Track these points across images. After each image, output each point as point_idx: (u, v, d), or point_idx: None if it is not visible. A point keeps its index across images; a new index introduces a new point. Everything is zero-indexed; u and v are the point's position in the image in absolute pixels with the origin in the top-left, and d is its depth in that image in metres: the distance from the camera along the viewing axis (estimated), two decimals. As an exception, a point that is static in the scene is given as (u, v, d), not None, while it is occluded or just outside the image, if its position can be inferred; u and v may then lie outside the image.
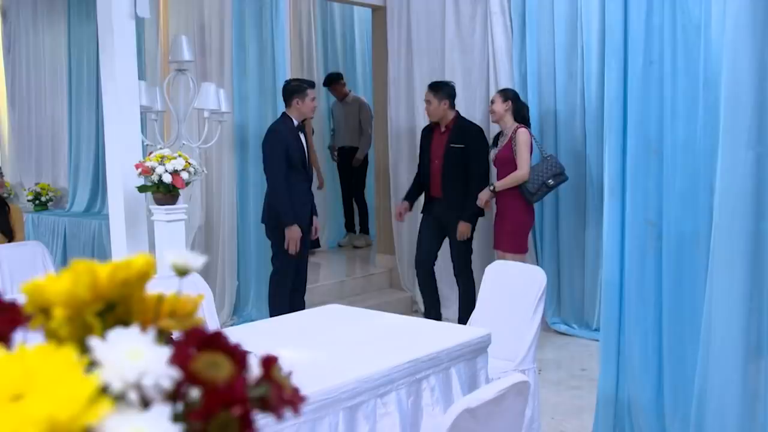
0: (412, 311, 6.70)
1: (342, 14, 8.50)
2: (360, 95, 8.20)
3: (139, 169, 4.24)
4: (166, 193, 4.27)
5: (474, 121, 6.22)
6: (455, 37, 6.35)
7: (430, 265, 5.77)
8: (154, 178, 4.23)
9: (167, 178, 4.21)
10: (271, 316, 5.44)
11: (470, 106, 6.29)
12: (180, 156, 4.30)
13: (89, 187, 7.28)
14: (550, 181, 5.21)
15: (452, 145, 5.42)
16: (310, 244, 5.66)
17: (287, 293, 5.44)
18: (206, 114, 4.84)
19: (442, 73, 6.40)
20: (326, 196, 8.29)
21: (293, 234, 5.19)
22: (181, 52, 4.92)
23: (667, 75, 3.44)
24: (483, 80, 6.24)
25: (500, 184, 5.29)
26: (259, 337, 2.96)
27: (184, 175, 4.27)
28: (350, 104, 8.08)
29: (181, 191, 5.25)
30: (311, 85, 5.36)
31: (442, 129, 5.55)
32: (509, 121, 5.31)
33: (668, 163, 3.45)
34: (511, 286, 3.61)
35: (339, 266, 7.48)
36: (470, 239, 5.54)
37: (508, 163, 5.26)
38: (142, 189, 4.31)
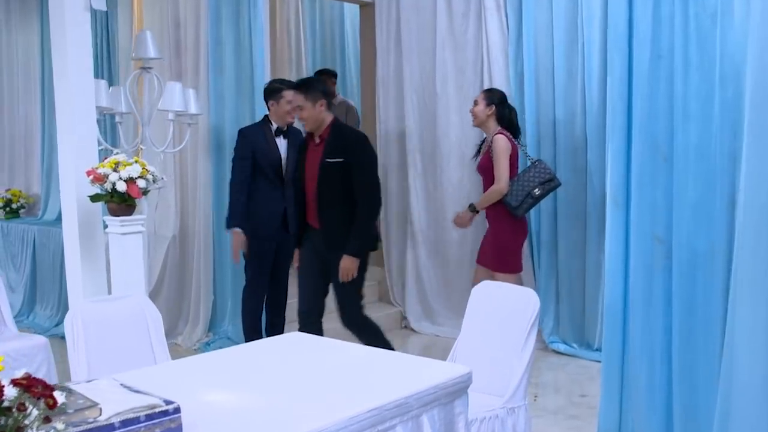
0: (401, 327, 6.28)
1: (331, 10, 8.09)
2: (348, 99, 7.78)
3: (91, 176, 3.82)
4: (120, 202, 3.86)
5: (466, 128, 5.82)
6: (447, 35, 5.93)
7: (317, 316, 4.59)
8: (108, 186, 3.82)
9: (121, 187, 3.80)
10: (244, 332, 5.07)
11: (463, 108, 5.86)
12: (137, 162, 3.88)
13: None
14: (536, 190, 4.63)
15: (328, 159, 4.18)
16: (290, 259, 5.25)
17: (260, 307, 5.05)
18: (170, 116, 4.42)
19: (433, 73, 5.99)
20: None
21: (234, 241, 4.93)
22: (146, 48, 4.51)
23: (677, 70, 3.03)
24: (477, 80, 5.82)
25: (480, 202, 4.79)
26: (199, 373, 2.54)
27: (141, 183, 3.85)
28: (337, 107, 7.61)
29: (146, 199, 4.87)
30: (292, 86, 4.93)
31: (317, 140, 4.29)
32: (492, 126, 4.74)
33: (679, 171, 3.03)
34: (500, 311, 3.18)
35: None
36: (358, 280, 4.33)
37: (489, 172, 4.73)
38: (94, 198, 3.90)
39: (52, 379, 3.11)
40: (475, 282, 4.88)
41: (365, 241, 4.27)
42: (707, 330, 2.96)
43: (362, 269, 4.31)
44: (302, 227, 4.45)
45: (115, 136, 5.69)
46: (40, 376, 3.11)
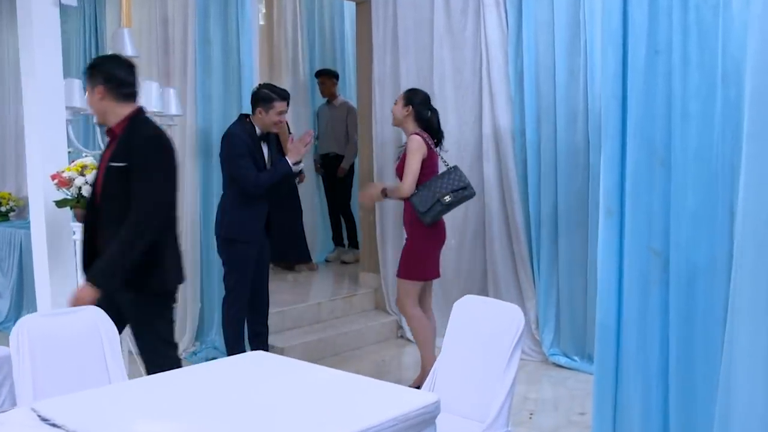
0: (396, 337, 6.04)
1: (331, 9, 7.86)
2: (350, 100, 7.55)
3: (56, 180, 3.61)
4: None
5: (465, 129, 5.58)
6: (445, 32, 5.69)
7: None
8: (73, 190, 3.61)
9: (87, 191, 3.58)
10: (226, 343, 4.86)
11: (461, 108, 5.63)
12: (104, 165, 3.66)
13: (49, 196, 6.68)
14: (446, 197, 4.34)
15: (112, 163, 3.25)
16: (268, 264, 5.03)
17: (243, 316, 4.81)
18: (147, 116, 4.20)
19: (430, 72, 5.75)
20: (313, 208, 7.65)
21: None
22: (123, 46, 4.31)
23: (676, 67, 2.78)
24: (476, 80, 5.57)
25: (389, 194, 4.64)
26: (143, 397, 2.31)
27: (109, 188, 3.63)
28: (338, 108, 7.45)
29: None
30: (283, 96, 4.71)
31: (107, 138, 3.43)
32: (410, 127, 4.54)
33: (677, 177, 2.78)
34: (483, 328, 2.93)
35: (320, 285, 6.82)
36: (160, 326, 3.37)
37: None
38: (60, 203, 3.69)
39: (11, 397, 2.89)
40: (424, 297, 4.73)
41: (113, 269, 3.14)
42: (707, 350, 2.70)
43: (160, 312, 3.36)
44: (91, 255, 3.31)
45: (85, 138, 5.50)
46: (2, 391, 2.92)
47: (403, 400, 2.21)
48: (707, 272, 2.70)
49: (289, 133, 7.01)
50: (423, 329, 4.61)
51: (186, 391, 2.38)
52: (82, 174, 3.62)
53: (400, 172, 4.54)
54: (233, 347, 4.80)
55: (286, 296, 6.07)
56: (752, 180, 2.23)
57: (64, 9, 6.49)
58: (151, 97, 4.18)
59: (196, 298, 5.51)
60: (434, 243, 4.59)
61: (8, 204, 7.02)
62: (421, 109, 4.56)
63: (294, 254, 7.16)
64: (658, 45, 2.80)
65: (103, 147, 3.79)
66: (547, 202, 5.20)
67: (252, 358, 2.79)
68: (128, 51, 4.32)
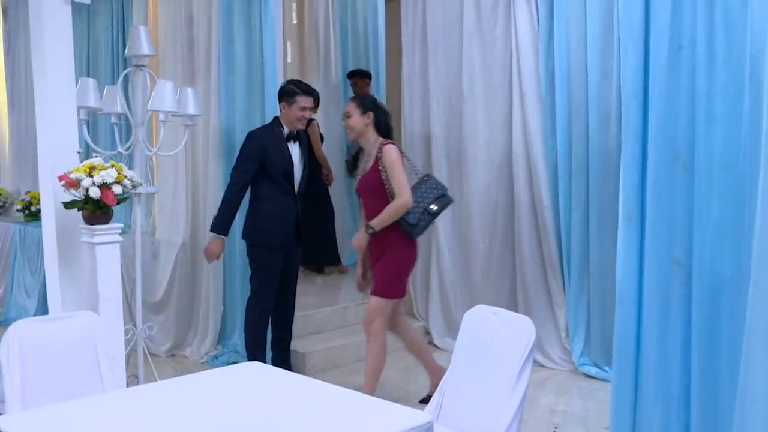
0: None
1: (364, 7, 7.72)
2: (382, 100, 7.41)
3: (63, 182, 3.54)
4: (94, 210, 3.57)
5: (494, 130, 5.39)
6: (475, 30, 5.51)
7: None
8: (81, 192, 3.54)
9: (95, 193, 3.51)
10: (247, 346, 4.77)
11: (491, 108, 5.44)
12: (113, 166, 3.59)
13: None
14: (432, 206, 4.05)
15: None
16: (297, 269, 4.95)
17: (264, 320, 4.74)
18: (161, 117, 4.12)
19: (459, 71, 5.57)
20: (343, 209, 7.53)
21: (210, 244, 4.65)
22: (140, 45, 4.22)
23: (700, 64, 2.58)
24: (506, 79, 5.38)
25: (379, 222, 4.01)
26: (122, 410, 2.21)
27: (117, 189, 3.56)
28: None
29: (138, 206, 4.60)
30: (308, 91, 4.65)
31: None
32: (372, 137, 4.12)
33: (701, 182, 2.58)
34: (493, 341, 2.77)
35: (348, 289, 6.68)
36: None
37: (378, 191, 4.04)
38: (68, 205, 3.62)
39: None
40: (398, 314, 4.36)
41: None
42: (731, 368, 2.50)
43: None
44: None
45: (102, 138, 5.46)
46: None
47: (394, 420, 2.07)
48: (732, 285, 2.49)
49: (320, 134, 6.92)
50: (380, 355, 4.25)
51: (171, 404, 2.27)
52: (90, 175, 3.54)
53: (367, 186, 4.10)
54: (253, 352, 4.71)
55: (312, 299, 5.96)
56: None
57: (93, 8, 6.53)
58: (165, 98, 4.08)
59: (218, 301, 5.44)
60: (415, 257, 4.24)
61: (38, 204, 7.03)
62: (380, 114, 4.16)
63: (323, 256, 7.05)
64: (682, 40, 2.61)
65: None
66: (578, 205, 4.99)
67: (246, 369, 2.67)
68: (144, 50, 4.24)
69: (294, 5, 7.70)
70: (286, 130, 4.65)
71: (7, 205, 7.52)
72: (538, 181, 5.19)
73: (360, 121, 4.11)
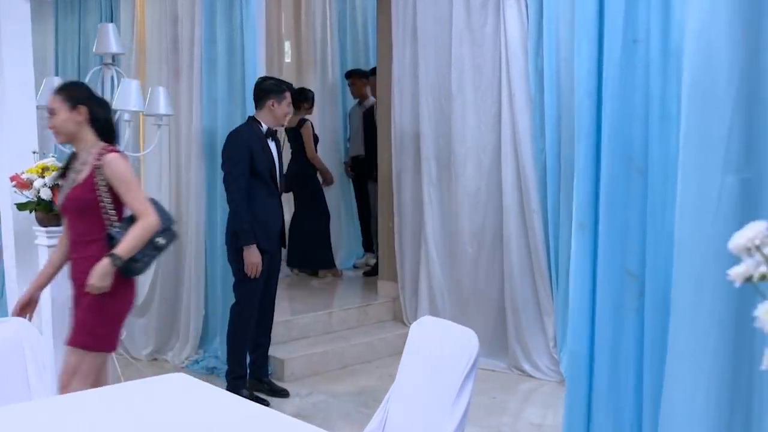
0: (411, 350, 5.70)
1: (363, 7, 7.57)
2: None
3: (14, 182, 3.45)
4: (46, 211, 3.47)
5: (483, 131, 5.22)
6: (465, 28, 5.33)
7: None
8: (32, 193, 3.44)
9: (46, 194, 3.40)
10: (229, 354, 4.66)
11: (481, 108, 5.26)
12: (66, 167, 3.48)
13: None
14: (160, 239, 3.13)
15: None
16: (278, 272, 4.82)
17: (249, 327, 4.60)
18: (126, 116, 4.02)
19: (448, 69, 5.40)
20: (338, 212, 7.38)
21: (251, 257, 4.38)
22: (108, 42, 4.13)
23: (655, 59, 2.39)
24: (495, 79, 5.20)
25: (127, 249, 3.01)
26: (23, 426, 2.08)
27: (69, 191, 3.44)
28: (369, 109, 7.16)
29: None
30: (290, 87, 4.58)
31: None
32: (88, 138, 3.12)
33: (655, 187, 2.39)
34: (436, 354, 2.61)
35: (337, 293, 6.55)
36: None
37: (90, 210, 3.08)
38: (21, 207, 3.52)
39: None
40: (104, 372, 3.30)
41: None
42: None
43: None
44: None
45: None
46: None
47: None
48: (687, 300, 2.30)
49: (315, 135, 6.79)
50: None
51: (82, 415, 2.15)
52: (42, 176, 3.44)
53: (77, 204, 3.09)
54: (236, 357, 4.61)
55: (296, 305, 5.84)
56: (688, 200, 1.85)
57: (85, 6, 6.46)
58: (130, 97, 3.97)
59: (199, 305, 5.32)
60: (133, 300, 3.28)
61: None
62: (96, 108, 3.17)
63: (318, 260, 6.92)
64: (637, 33, 2.42)
65: None
66: (567, 209, 4.79)
67: (171, 380, 2.53)
68: (113, 47, 4.15)
69: (292, 4, 7.58)
70: (264, 128, 4.53)
71: None
72: (527, 183, 5.00)
73: (69, 118, 3.09)
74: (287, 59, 7.83)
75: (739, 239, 1.09)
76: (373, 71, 7.09)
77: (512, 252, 5.13)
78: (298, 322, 5.48)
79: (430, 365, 2.61)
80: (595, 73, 2.52)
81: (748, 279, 1.11)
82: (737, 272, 1.11)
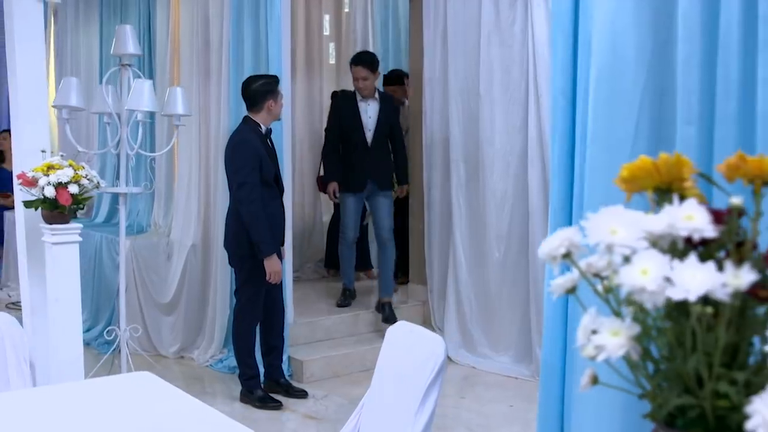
0: (437, 355, 5.61)
1: (405, 6, 7.48)
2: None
3: (20, 180, 3.53)
4: (51, 209, 3.53)
5: (511, 133, 5.10)
6: (493, 28, 5.23)
7: None
8: (37, 191, 3.51)
9: (50, 192, 3.47)
10: (237, 357, 4.64)
11: (509, 110, 5.15)
12: (70, 165, 3.55)
13: (110, 196, 6.76)
14: None
15: None
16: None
17: (254, 330, 4.61)
18: (139, 116, 4.06)
19: (477, 72, 5.30)
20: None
21: (274, 266, 4.39)
22: (125, 44, 4.19)
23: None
24: (523, 80, 5.08)
25: None
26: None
27: (73, 189, 3.51)
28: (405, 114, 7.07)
29: (125, 206, 4.56)
30: (277, 80, 4.65)
31: None
32: None
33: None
34: (404, 361, 2.53)
35: (367, 296, 6.48)
36: None
37: None
38: (27, 204, 3.60)
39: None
40: None
41: None
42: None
43: None
44: None
45: (94, 137, 5.46)
46: None
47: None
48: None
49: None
50: None
51: (42, 411, 2.16)
52: (47, 174, 3.50)
53: None
54: (243, 360, 4.61)
55: (322, 305, 5.81)
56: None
57: (125, 9, 6.60)
58: (142, 97, 4.02)
59: (225, 305, 5.35)
60: None
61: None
62: None
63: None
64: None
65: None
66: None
67: (136, 379, 2.53)
68: (129, 49, 4.21)
69: (332, 5, 7.58)
70: (263, 129, 4.52)
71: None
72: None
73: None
74: (332, 60, 7.82)
75: (545, 247, 1.00)
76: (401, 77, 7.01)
77: (538, 257, 4.98)
78: (323, 324, 5.46)
79: (398, 373, 2.54)
80: (570, 71, 2.40)
81: (570, 291, 1.03)
82: (557, 284, 1.03)
